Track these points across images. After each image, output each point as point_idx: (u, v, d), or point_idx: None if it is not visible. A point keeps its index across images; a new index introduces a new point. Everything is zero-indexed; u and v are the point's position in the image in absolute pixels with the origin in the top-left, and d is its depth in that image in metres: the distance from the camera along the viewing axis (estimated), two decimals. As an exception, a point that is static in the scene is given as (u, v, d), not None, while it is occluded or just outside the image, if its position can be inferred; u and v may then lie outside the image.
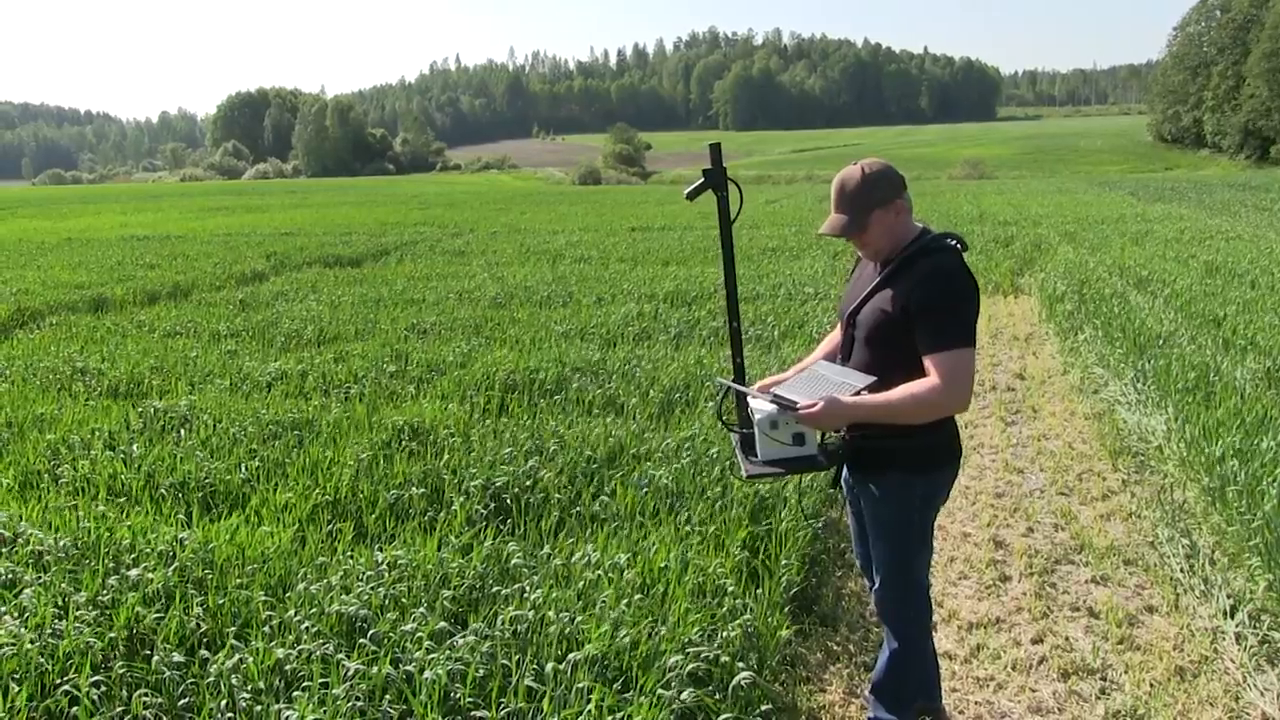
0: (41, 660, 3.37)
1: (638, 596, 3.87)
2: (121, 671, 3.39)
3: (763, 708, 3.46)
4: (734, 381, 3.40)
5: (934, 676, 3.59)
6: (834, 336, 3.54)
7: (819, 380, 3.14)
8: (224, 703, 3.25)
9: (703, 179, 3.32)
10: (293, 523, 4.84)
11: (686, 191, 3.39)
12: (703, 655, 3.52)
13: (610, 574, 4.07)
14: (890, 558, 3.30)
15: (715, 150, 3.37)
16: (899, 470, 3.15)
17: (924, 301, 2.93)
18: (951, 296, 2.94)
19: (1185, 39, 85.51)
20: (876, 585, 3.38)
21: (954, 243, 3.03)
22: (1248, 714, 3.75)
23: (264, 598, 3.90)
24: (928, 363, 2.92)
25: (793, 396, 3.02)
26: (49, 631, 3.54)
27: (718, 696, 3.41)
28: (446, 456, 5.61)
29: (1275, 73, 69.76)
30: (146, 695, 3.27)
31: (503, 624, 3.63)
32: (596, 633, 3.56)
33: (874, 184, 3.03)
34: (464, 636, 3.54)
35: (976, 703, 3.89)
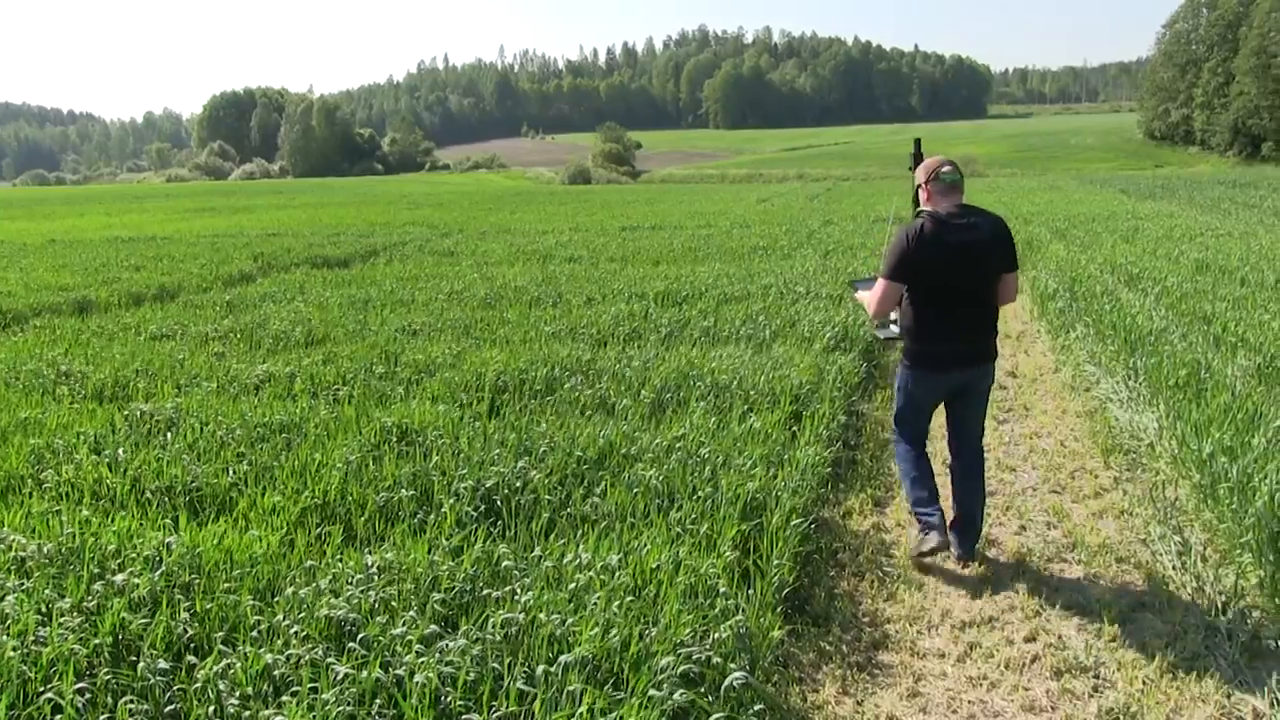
0: (24, 668, 3.33)
1: (629, 598, 3.85)
2: (107, 678, 3.36)
3: (755, 708, 3.44)
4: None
5: (926, 492, 4.99)
6: None
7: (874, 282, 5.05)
8: (212, 709, 3.22)
9: (911, 162, 5.14)
10: (281, 526, 4.80)
11: (908, 167, 5.18)
12: (695, 656, 3.50)
13: (601, 575, 4.04)
14: (895, 405, 5.21)
15: (917, 144, 5.28)
16: (901, 360, 5.02)
17: None
18: (889, 245, 4.76)
19: (1174, 36, 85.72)
20: None
21: (920, 218, 4.70)
22: (1239, 710, 3.75)
23: (252, 602, 3.87)
24: None
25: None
26: (32, 639, 3.50)
27: (710, 698, 3.40)
28: (436, 458, 5.57)
29: (1264, 70, 69.95)
30: (132, 702, 3.24)
31: (493, 627, 3.61)
32: (587, 635, 3.54)
33: (922, 169, 4.81)
34: (454, 640, 3.52)
35: (970, 702, 3.87)
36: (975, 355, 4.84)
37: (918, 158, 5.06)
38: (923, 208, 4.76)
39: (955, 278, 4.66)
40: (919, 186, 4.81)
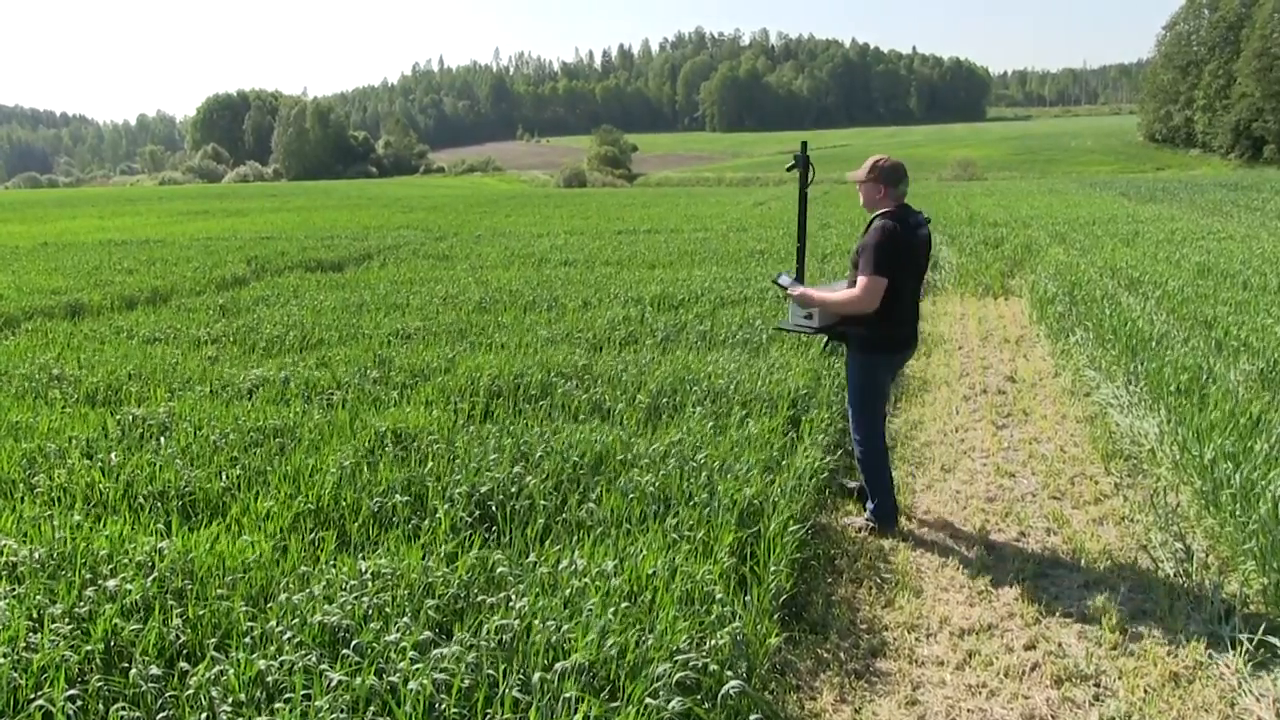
0: (14, 674, 3.30)
1: (625, 604, 3.81)
2: (99, 685, 3.33)
3: (752, 717, 3.41)
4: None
5: (888, 481, 5.51)
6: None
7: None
8: (204, 716, 3.20)
9: (794, 161, 5.77)
10: (274, 531, 4.76)
11: (787, 167, 5.84)
12: (691, 663, 3.47)
13: (597, 581, 4.01)
14: (851, 402, 5.56)
15: (804, 147, 5.82)
16: (853, 350, 5.45)
17: (863, 244, 5.20)
18: (874, 243, 5.09)
19: (1175, 38, 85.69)
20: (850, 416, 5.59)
21: (889, 218, 5.19)
22: (1243, 720, 3.71)
23: (245, 608, 3.83)
24: (858, 279, 5.13)
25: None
26: (23, 645, 3.47)
27: (706, 705, 3.36)
28: (430, 463, 5.53)
29: (1266, 72, 69.95)
30: (124, 709, 3.22)
31: (488, 633, 3.57)
32: (583, 641, 3.50)
33: (885, 173, 5.26)
34: (449, 646, 3.48)
35: (969, 710, 3.84)
36: (916, 336, 5.57)
37: (805, 161, 5.73)
38: (883, 209, 5.29)
39: (915, 269, 5.37)
40: (876, 185, 5.28)
